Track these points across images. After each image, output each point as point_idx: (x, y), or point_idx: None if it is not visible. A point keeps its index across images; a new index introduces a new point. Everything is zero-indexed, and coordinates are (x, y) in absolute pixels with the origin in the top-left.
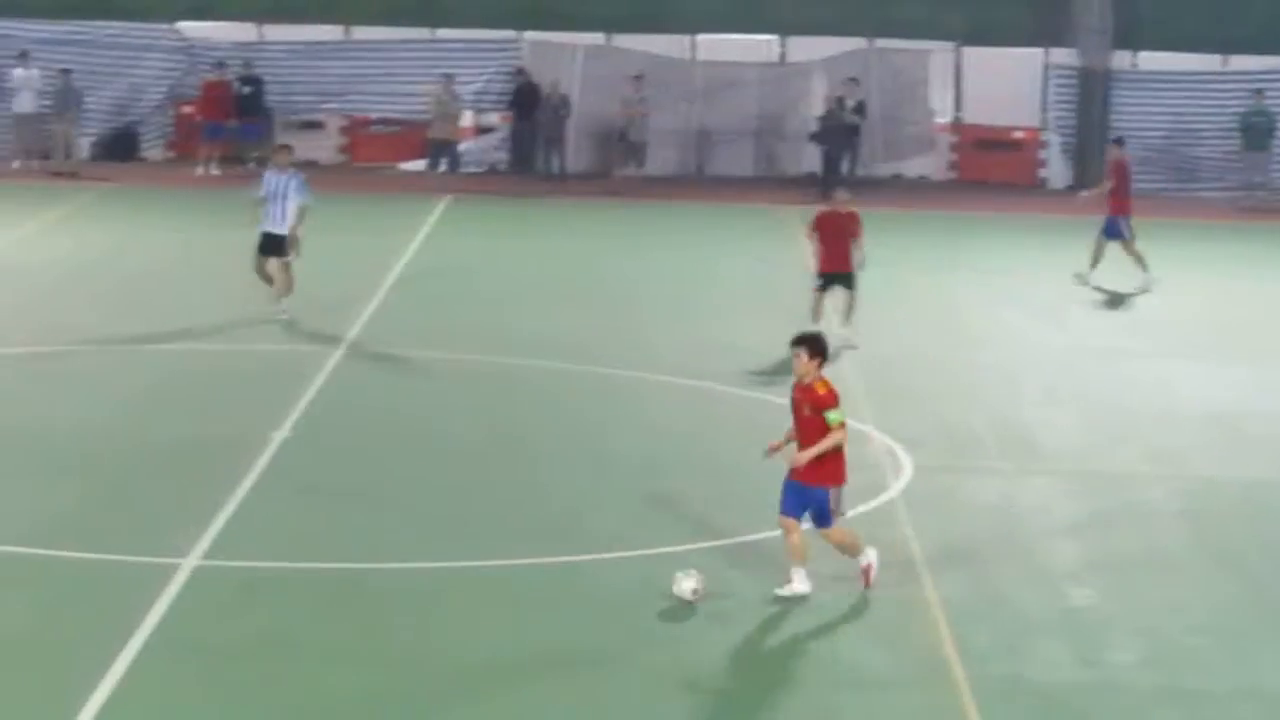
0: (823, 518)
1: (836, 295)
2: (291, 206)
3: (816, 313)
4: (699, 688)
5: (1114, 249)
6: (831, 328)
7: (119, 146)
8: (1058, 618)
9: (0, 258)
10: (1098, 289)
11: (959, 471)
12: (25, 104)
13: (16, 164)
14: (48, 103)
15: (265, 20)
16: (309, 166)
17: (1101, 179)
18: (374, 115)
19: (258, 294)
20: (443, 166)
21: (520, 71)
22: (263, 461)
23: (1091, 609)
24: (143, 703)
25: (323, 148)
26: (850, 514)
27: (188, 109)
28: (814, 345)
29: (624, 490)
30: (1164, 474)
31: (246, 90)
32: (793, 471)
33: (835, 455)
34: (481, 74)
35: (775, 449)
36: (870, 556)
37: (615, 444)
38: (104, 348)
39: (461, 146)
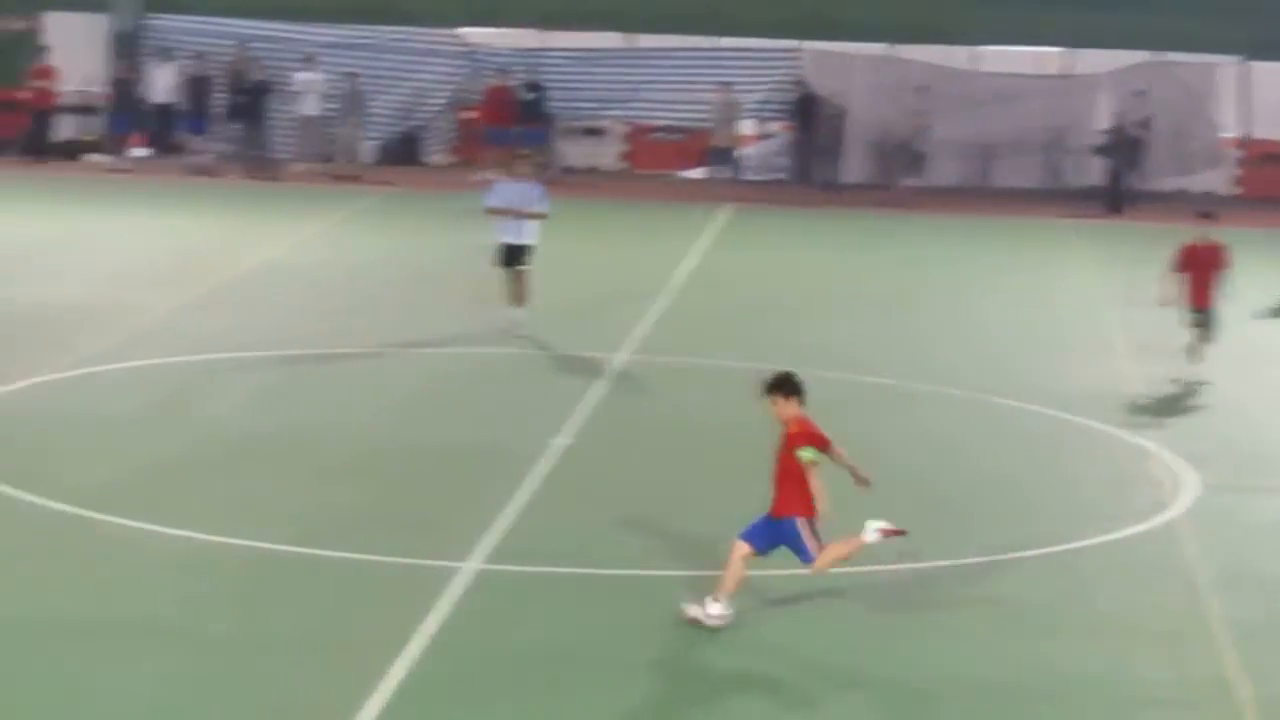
0: (801, 554)
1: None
2: (530, 220)
3: (1195, 353)
4: (987, 698)
5: None
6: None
7: (401, 150)
8: None
9: (282, 260)
10: None
11: (1246, 491)
12: (310, 107)
13: (300, 167)
14: (332, 106)
15: (549, 27)
16: (590, 173)
17: None
18: (655, 122)
19: (537, 299)
20: (723, 174)
21: (800, 82)
22: (543, 467)
23: None
24: (422, 704)
25: (604, 154)
26: (1117, 536)
27: (470, 114)
28: (784, 387)
29: (903, 501)
30: None
31: (529, 96)
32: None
33: (803, 486)
34: (763, 83)
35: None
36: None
37: (894, 455)
38: (382, 350)
39: (742, 151)
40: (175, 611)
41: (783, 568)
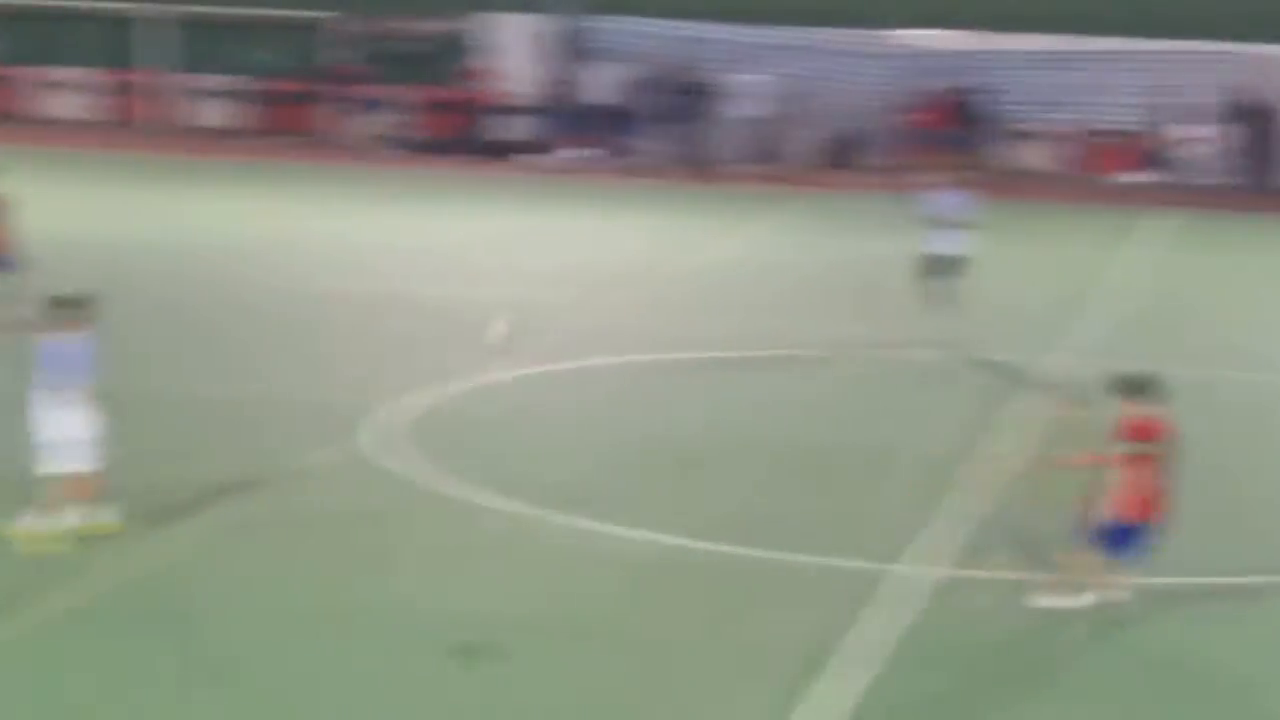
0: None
1: None
2: (962, 229)
3: None
4: None
5: None
6: None
7: (841, 153)
8: None
9: (721, 262)
10: None
11: None
12: (750, 109)
13: (740, 169)
14: (773, 108)
15: (989, 30)
16: (1029, 175)
17: None
18: (1095, 125)
19: (974, 302)
20: (1163, 177)
21: (1242, 86)
22: (972, 471)
23: None
24: (848, 708)
25: (1043, 157)
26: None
27: (909, 117)
28: (1133, 388)
29: None
30: None
31: (970, 99)
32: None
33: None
34: (1204, 86)
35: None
36: (1071, 601)
37: None
38: (821, 352)
39: (1182, 155)
40: (619, 611)
41: (1176, 572)
